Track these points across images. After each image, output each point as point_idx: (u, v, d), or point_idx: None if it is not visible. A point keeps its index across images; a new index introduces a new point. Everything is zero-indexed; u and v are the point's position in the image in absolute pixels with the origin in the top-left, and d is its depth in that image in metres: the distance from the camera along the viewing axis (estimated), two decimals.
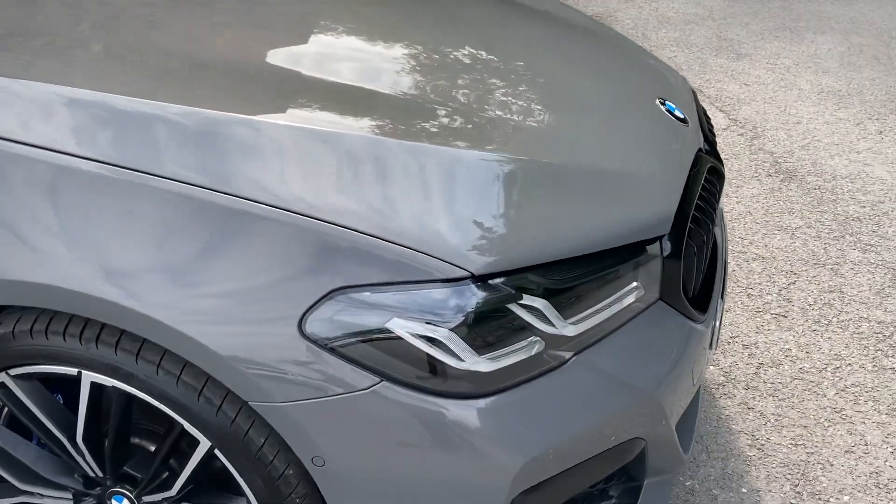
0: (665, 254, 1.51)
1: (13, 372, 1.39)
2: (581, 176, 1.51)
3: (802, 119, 4.25)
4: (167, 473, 1.44)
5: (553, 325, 1.32)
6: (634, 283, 1.45)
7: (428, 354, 1.25)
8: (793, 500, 1.98)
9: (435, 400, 1.26)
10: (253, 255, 1.24)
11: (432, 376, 1.26)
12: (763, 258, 2.99)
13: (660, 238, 1.50)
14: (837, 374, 2.39)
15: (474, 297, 1.26)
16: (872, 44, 5.22)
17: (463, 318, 1.25)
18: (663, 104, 1.86)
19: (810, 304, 2.72)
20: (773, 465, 2.08)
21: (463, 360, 1.26)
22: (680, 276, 1.54)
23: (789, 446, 2.14)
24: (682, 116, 1.87)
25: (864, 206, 3.35)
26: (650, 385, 1.46)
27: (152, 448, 1.50)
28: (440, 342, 1.24)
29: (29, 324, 1.34)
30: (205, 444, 1.34)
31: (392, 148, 1.40)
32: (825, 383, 2.36)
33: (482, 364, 1.27)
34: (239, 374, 1.24)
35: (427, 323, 1.24)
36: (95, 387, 1.36)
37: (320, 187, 1.30)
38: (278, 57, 1.63)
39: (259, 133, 1.36)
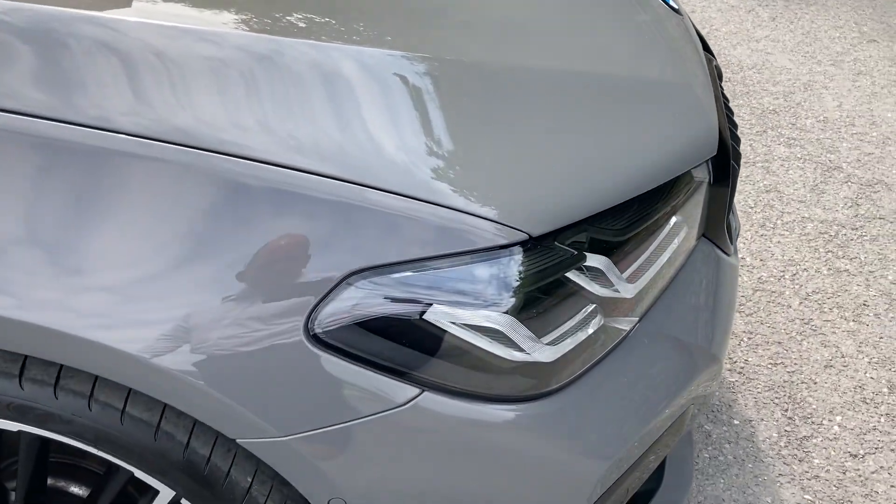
0: (711, 179, 1.24)
1: None
2: (615, 89, 1.18)
3: (696, 7, 4.08)
4: None
5: (613, 287, 1.03)
6: (676, 220, 1.17)
7: (481, 348, 0.92)
8: (787, 428, 1.85)
9: (492, 409, 0.93)
10: (234, 237, 0.84)
11: (485, 375, 0.93)
12: None
13: (707, 161, 1.22)
14: (796, 282, 2.28)
15: (535, 265, 0.93)
16: None
17: (523, 295, 0.92)
18: None
19: (752, 207, 2.59)
20: (759, 390, 1.94)
21: (525, 351, 0.94)
22: (727, 205, 1.28)
23: (769, 366, 2.01)
24: (676, 7, 1.58)
25: (778, 98, 3.25)
26: (707, 342, 1.21)
27: (77, 490, 1.10)
28: (496, 331, 0.92)
29: None
30: (166, 494, 0.95)
31: (435, 73, 1.02)
32: (787, 293, 2.24)
33: (544, 352, 0.95)
34: (223, 405, 0.86)
35: (481, 307, 0.90)
36: None
37: (315, 131, 0.90)
38: None
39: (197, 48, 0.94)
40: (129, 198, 0.84)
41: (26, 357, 0.89)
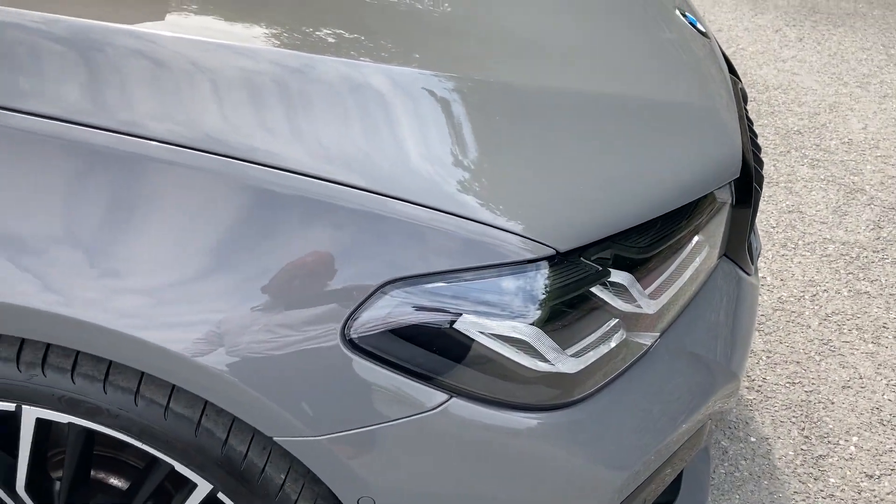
0: (733, 200, 1.28)
1: None
2: (641, 111, 1.22)
3: (723, 26, 4.11)
4: None
5: (636, 302, 1.06)
6: (698, 239, 1.21)
7: (507, 358, 0.96)
8: (803, 447, 1.87)
9: (518, 415, 0.98)
10: (271, 244, 0.89)
11: (511, 384, 0.98)
12: None
13: (730, 182, 1.26)
14: (816, 302, 2.30)
15: (561, 279, 0.97)
16: None
17: (549, 308, 0.97)
18: (684, 16, 1.59)
19: (773, 227, 2.61)
20: (776, 408, 1.97)
21: (549, 362, 0.98)
22: (748, 226, 1.31)
23: (787, 385, 2.03)
24: (703, 30, 1.61)
25: (803, 119, 3.27)
26: (726, 359, 1.24)
27: (117, 482, 1.15)
28: (522, 341, 0.96)
29: None
30: (204, 488, 1.00)
31: (463, 91, 1.07)
32: (807, 313, 2.26)
33: (568, 363, 0.99)
34: (260, 403, 0.91)
35: (508, 318, 0.95)
36: (42, 424, 0.99)
37: (349, 144, 0.95)
38: None
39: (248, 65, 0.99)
40: (172, 205, 0.89)
41: (78, 353, 0.94)
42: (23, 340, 0.94)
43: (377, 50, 1.11)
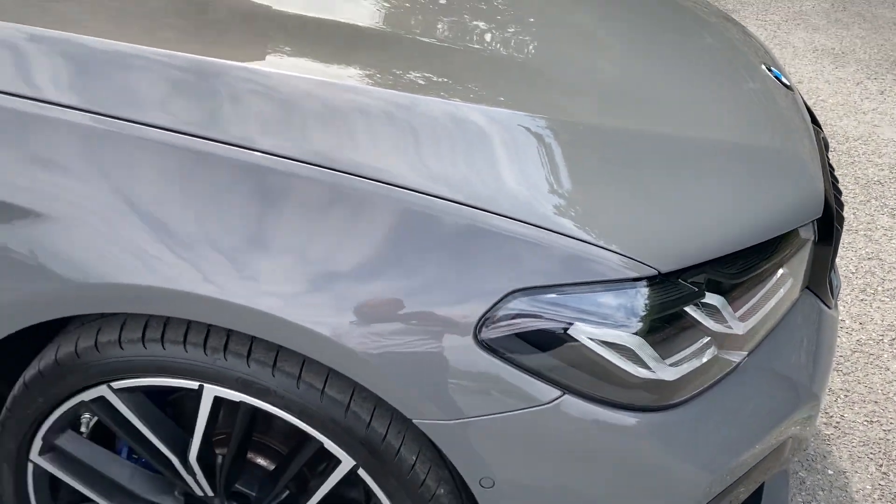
0: (816, 238, 1.41)
1: (116, 385, 1.19)
2: (731, 153, 1.37)
3: (804, 78, 4.20)
4: (289, 492, 1.28)
5: (727, 323, 1.20)
6: (783, 271, 1.34)
7: (613, 363, 1.11)
8: (881, 482, 1.94)
9: (621, 414, 1.12)
10: (420, 256, 1.07)
11: (616, 387, 1.12)
12: None
13: (812, 221, 1.39)
14: (895, 346, 2.36)
15: (662, 297, 1.13)
16: (855, 0, 5.20)
17: (650, 321, 1.12)
18: (769, 70, 1.74)
19: (853, 272, 2.69)
20: (854, 444, 2.04)
21: (650, 369, 1.12)
22: (829, 262, 1.44)
23: (865, 423, 2.11)
24: (788, 84, 1.75)
25: (883, 170, 3.33)
26: (808, 380, 1.36)
27: (262, 462, 1.33)
28: (628, 349, 1.11)
29: (138, 332, 1.14)
30: (347, 464, 1.18)
31: (556, 130, 1.25)
32: (885, 356, 2.33)
33: (668, 372, 1.14)
34: (404, 389, 1.08)
35: (615, 328, 1.10)
36: (217, 402, 1.18)
37: (485, 175, 1.14)
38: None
39: (416, 112, 1.19)
40: (343, 222, 1.08)
41: (253, 340, 1.13)
42: (209, 328, 1.13)
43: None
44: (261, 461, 1.33)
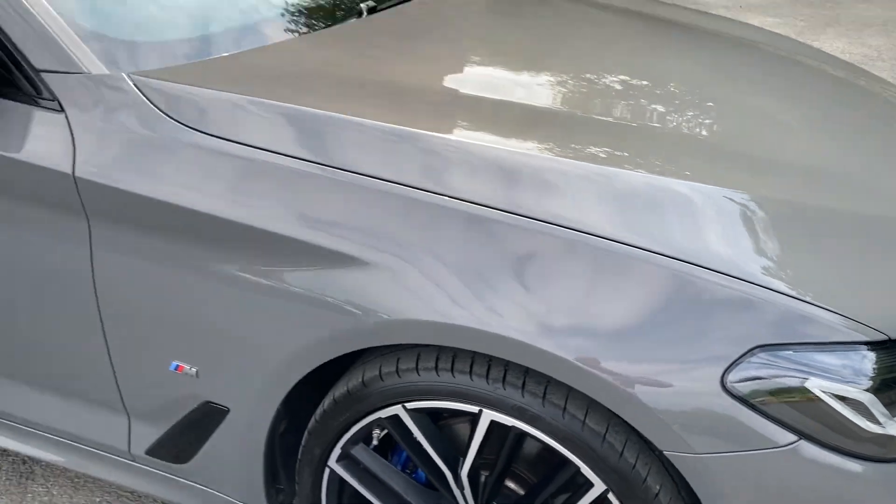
0: None
1: (410, 405, 1.46)
2: None
3: None
4: None
5: None
6: None
7: (846, 417, 1.27)
8: None
9: (852, 462, 1.27)
10: (681, 312, 1.29)
11: (846, 438, 1.28)
12: None
13: None
14: None
15: (889, 359, 1.28)
16: None
17: (881, 380, 1.27)
18: None
19: None
20: None
21: (880, 424, 1.27)
22: None
23: None
24: None
25: None
26: None
27: (511, 485, 1.55)
28: (860, 404, 1.26)
29: (432, 362, 1.42)
30: (598, 488, 1.38)
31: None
32: None
33: (895, 427, 1.28)
34: (659, 423, 1.29)
35: (847, 384, 1.26)
36: (492, 425, 1.42)
37: (743, 249, 1.37)
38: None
39: (686, 195, 1.45)
40: (606, 286, 1.33)
41: (527, 371, 1.37)
42: (490, 360, 1.39)
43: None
44: (510, 484, 1.56)
